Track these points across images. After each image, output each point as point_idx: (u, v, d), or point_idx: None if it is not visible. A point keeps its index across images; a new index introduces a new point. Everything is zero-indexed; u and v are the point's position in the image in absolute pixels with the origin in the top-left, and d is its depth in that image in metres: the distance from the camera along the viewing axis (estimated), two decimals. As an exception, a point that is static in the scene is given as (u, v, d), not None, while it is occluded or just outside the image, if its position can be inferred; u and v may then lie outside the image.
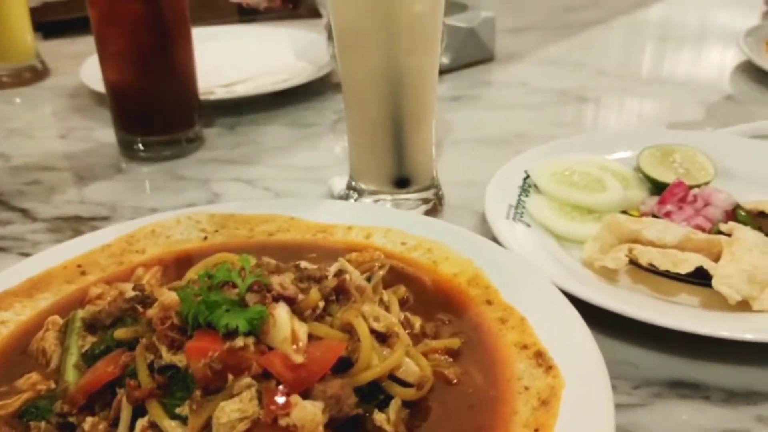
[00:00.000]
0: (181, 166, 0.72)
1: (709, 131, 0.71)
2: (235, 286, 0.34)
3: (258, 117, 0.83)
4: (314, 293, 0.35)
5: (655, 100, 0.84)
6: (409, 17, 0.53)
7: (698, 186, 0.57)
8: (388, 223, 0.49)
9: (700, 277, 0.47)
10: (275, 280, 0.35)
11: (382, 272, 0.42)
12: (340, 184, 0.64)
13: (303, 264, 0.40)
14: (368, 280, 0.40)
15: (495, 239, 0.51)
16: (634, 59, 0.97)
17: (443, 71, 0.93)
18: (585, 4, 1.24)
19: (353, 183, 0.61)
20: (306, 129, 0.80)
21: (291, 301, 0.34)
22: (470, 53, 0.96)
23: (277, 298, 0.34)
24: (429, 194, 0.61)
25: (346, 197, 0.62)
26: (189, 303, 0.33)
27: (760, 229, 0.54)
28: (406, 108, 0.57)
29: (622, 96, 0.85)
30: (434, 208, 0.61)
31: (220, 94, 0.84)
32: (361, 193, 0.61)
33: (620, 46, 1.03)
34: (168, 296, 0.34)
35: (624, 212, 0.58)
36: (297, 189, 0.67)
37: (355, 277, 0.39)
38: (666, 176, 0.59)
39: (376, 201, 0.60)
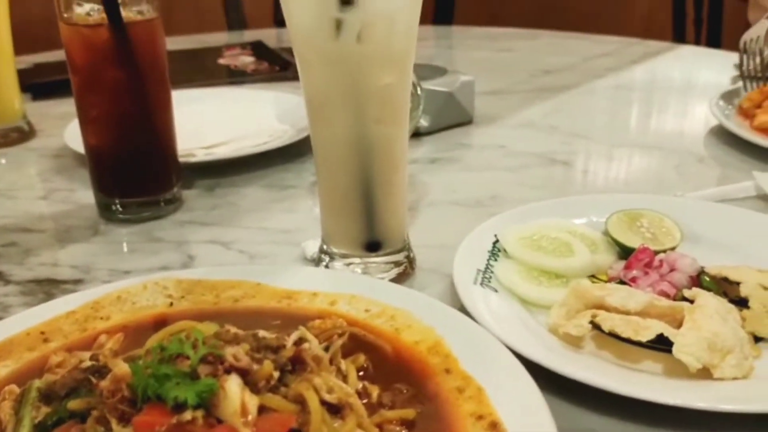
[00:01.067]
0: (158, 228, 0.73)
1: (679, 195, 0.73)
2: (188, 357, 0.34)
3: (237, 179, 0.84)
4: (267, 365, 0.35)
5: (628, 163, 0.85)
6: (378, 88, 0.55)
7: (664, 251, 0.58)
8: (353, 290, 0.49)
9: (665, 344, 0.48)
10: (229, 352, 0.35)
11: (341, 341, 0.42)
12: (313, 247, 0.65)
13: (261, 333, 0.40)
14: (327, 348, 0.41)
15: (462, 304, 0.51)
16: (609, 123, 0.99)
17: (422, 134, 0.96)
18: (562, 68, 1.27)
19: (325, 247, 0.62)
20: (284, 191, 0.81)
21: (244, 373, 0.34)
22: (449, 116, 0.98)
23: (229, 370, 0.34)
24: (400, 257, 0.62)
25: (318, 261, 0.63)
26: (140, 375, 0.33)
27: (725, 294, 0.55)
28: (376, 174, 0.58)
29: (596, 159, 0.86)
30: (405, 272, 0.62)
31: (201, 156, 0.86)
32: (332, 256, 0.61)
33: (596, 109, 1.06)
34: (120, 368, 0.34)
35: (592, 277, 0.59)
36: (272, 252, 0.68)
37: (313, 346, 0.40)
38: (633, 241, 0.60)
39: (347, 265, 0.61)
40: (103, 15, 0.67)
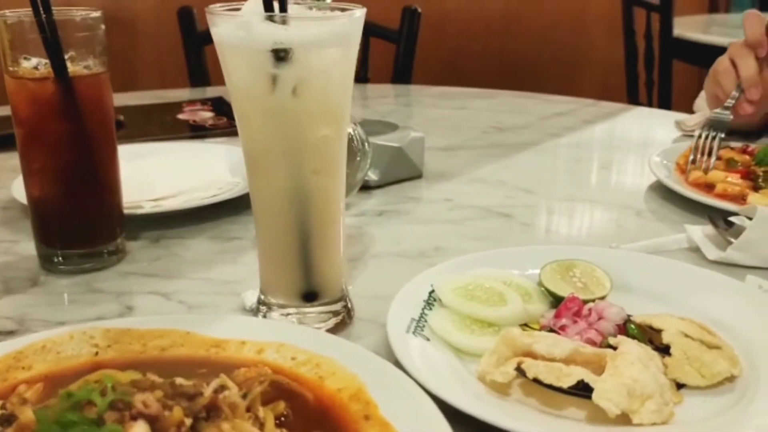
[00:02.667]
0: (99, 279, 0.72)
1: (614, 246, 0.74)
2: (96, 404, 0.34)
3: (184, 230, 0.84)
4: (177, 411, 0.35)
5: (568, 216, 0.88)
6: (315, 140, 0.56)
7: (593, 300, 0.60)
8: (281, 338, 0.49)
9: (588, 390, 0.49)
10: (138, 398, 0.35)
11: (260, 388, 0.42)
12: (252, 297, 0.65)
13: (179, 380, 0.40)
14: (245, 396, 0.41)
15: (393, 353, 0.52)
16: (555, 178, 1.02)
17: (372, 187, 0.97)
18: (516, 126, 1.31)
19: (263, 297, 0.62)
20: (229, 242, 0.81)
21: (153, 420, 0.34)
22: (399, 171, 1.00)
23: (136, 417, 0.34)
24: (338, 307, 0.62)
25: (256, 311, 0.63)
26: (44, 423, 0.33)
27: (650, 341, 0.56)
28: (313, 224, 0.59)
29: (537, 213, 0.88)
30: (343, 322, 0.62)
31: (148, 208, 0.86)
32: (270, 306, 0.62)
33: (544, 166, 1.09)
34: (26, 415, 0.34)
35: (525, 325, 0.60)
36: (212, 302, 0.68)
37: (232, 393, 0.40)
38: (565, 290, 0.62)
39: (285, 315, 0.61)
40: (50, 69, 0.68)
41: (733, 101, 1.02)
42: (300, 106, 0.54)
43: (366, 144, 0.90)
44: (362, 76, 1.92)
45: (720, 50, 2.60)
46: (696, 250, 0.75)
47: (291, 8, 0.54)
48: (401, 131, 1.03)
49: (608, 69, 3.22)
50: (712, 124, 0.99)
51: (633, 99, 2.88)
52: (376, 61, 1.94)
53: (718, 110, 1.03)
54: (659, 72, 2.68)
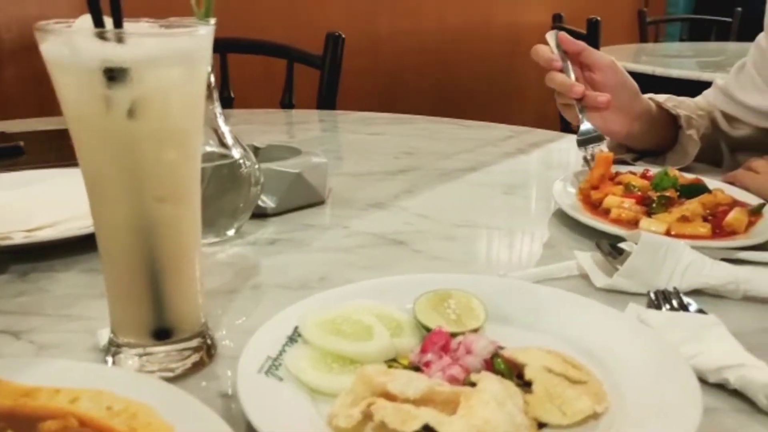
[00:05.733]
0: (-49, 317, 0.66)
1: (501, 274, 0.72)
2: None
3: (57, 263, 0.79)
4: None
5: (463, 243, 0.85)
6: (158, 165, 0.52)
7: (462, 333, 0.57)
8: (100, 385, 0.45)
9: (443, 433, 0.45)
10: None
11: (51, 443, 0.38)
12: (107, 335, 0.60)
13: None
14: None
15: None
16: (458, 204, 1.00)
17: (269, 214, 0.93)
18: (428, 152, 1.29)
19: (113, 336, 0.58)
20: (100, 276, 0.75)
21: None
22: (298, 197, 0.96)
23: None
24: (194, 344, 0.58)
25: (107, 351, 0.58)
26: None
27: (519, 376, 0.53)
28: (161, 257, 0.54)
29: (433, 239, 0.86)
30: (201, 361, 0.58)
31: (18, 239, 0.80)
32: (119, 346, 0.57)
33: (449, 191, 1.07)
34: None
35: (393, 361, 0.57)
36: (66, 341, 0.63)
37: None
38: (436, 322, 0.58)
39: (137, 355, 0.56)
40: None
41: (580, 114, 1.04)
42: (138, 129, 0.50)
43: (257, 170, 0.86)
44: (287, 101, 1.89)
45: (649, 78, 2.66)
46: (586, 277, 0.73)
47: (128, 24, 0.50)
48: (303, 157, 1.00)
49: (543, 97, 3.28)
50: (582, 142, 1.02)
51: (567, 126, 2.92)
52: (305, 87, 1.91)
53: (579, 129, 1.04)
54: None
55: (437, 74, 3.43)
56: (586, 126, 1.03)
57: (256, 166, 0.86)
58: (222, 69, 1.89)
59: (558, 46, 1.06)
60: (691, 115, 1.11)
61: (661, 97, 1.16)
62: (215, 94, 0.82)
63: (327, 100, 1.80)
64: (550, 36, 1.08)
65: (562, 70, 1.04)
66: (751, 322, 0.65)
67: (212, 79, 0.82)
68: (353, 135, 1.49)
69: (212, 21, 0.76)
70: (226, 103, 1.89)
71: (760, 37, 1.09)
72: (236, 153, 0.84)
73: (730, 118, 1.16)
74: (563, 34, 1.07)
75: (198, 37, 0.51)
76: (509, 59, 3.71)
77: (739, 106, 1.12)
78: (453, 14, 3.45)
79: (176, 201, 0.54)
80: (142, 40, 0.49)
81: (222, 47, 1.84)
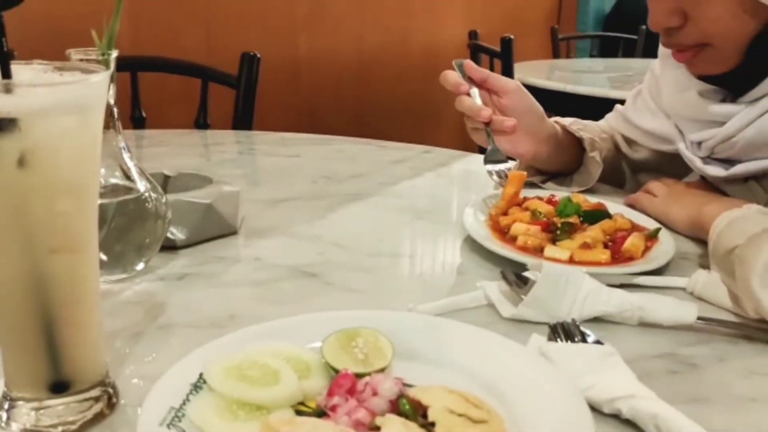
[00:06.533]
0: None
1: (410, 307, 0.73)
2: None
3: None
4: None
5: (374, 274, 0.86)
6: (51, 216, 0.51)
7: (369, 374, 0.57)
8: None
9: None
10: None
11: None
12: (0, 389, 0.58)
13: None
14: None
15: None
16: (372, 232, 1.01)
17: (179, 247, 0.91)
18: (345, 176, 1.30)
19: (6, 390, 0.55)
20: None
21: None
22: (209, 229, 0.95)
23: None
24: (94, 395, 0.56)
25: (0, 405, 0.56)
26: None
27: (424, 416, 0.54)
28: (57, 308, 0.53)
29: (345, 271, 0.86)
30: (101, 412, 0.56)
31: None
32: (14, 400, 0.55)
33: (364, 218, 1.07)
34: None
35: (301, 404, 0.57)
36: (-43, 395, 0.60)
37: None
38: (344, 363, 0.59)
39: (33, 409, 0.54)
40: None
41: (488, 137, 1.08)
42: (28, 180, 0.48)
43: (164, 203, 0.85)
44: (202, 122, 1.86)
45: (561, 95, 2.75)
46: (493, 306, 0.75)
47: (17, 67, 0.48)
48: (214, 186, 0.98)
49: (460, 114, 3.36)
50: (489, 161, 1.06)
51: (482, 149, 2.99)
52: (221, 105, 1.89)
53: (487, 150, 1.08)
54: (504, 115, 2.79)
55: (356, 92, 3.45)
56: (493, 149, 1.07)
57: (163, 199, 0.85)
58: (133, 88, 1.84)
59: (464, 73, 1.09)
60: (594, 138, 1.16)
61: (567, 121, 1.21)
62: (119, 126, 0.81)
63: (243, 120, 1.79)
64: (456, 65, 1.11)
65: (469, 94, 1.07)
66: (647, 348, 0.68)
67: (116, 111, 0.80)
68: (269, 158, 1.48)
69: (114, 54, 0.74)
70: (138, 123, 1.85)
71: (654, 63, 1.14)
72: (142, 186, 0.82)
73: (629, 141, 1.22)
74: (468, 62, 1.10)
75: (91, 85, 0.50)
76: (427, 76, 3.76)
77: (636, 130, 1.18)
78: (371, 32, 3.48)
79: (71, 251, 0.52)
80: (31, 89, 0.48)
81: (133, 66, 1.80)
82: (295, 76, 3.16)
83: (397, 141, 1.58)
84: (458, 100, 1.08)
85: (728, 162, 0.97)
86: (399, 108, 3.58)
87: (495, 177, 1.04)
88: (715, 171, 0.98)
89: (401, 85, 3.60)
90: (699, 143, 0.99)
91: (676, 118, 1.05)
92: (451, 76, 1.08)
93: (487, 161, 1.07)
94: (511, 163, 1.08)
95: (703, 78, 0.97)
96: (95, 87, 0.50)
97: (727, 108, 0.94)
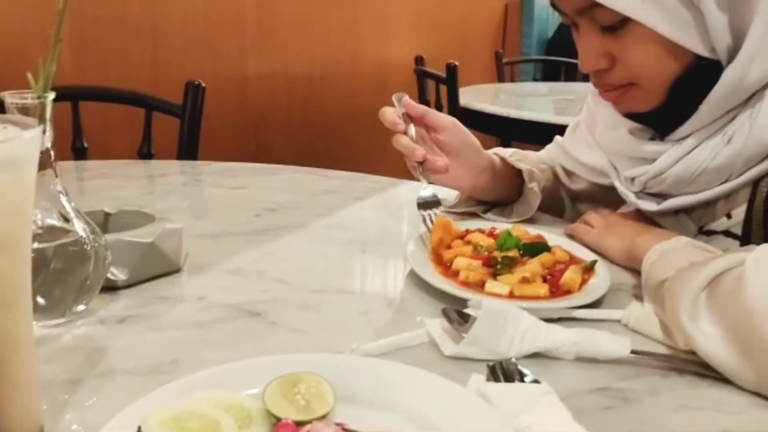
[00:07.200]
0: None
1: (354, 347, 0.74)
2: None
3: None
4: None
5: (320, 312, 0.86)
6: (-18, 271, 0.50)
7: (310, 421, 0.57)
8: None
9: None
10: None
11: None
12: (-72, 448, 0.56)
13: None
14: None
15: None
16: (314, 267, 1.01)
17: (120, 287, 0.90)
18: (289, 207, 1.30)
19: (-65, 450, 0.54)
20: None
21: None
22: (151, 268, 0.94)
23: None
24: (29, 454, 0.55)
25: (-72, 467, 0.54)
26: None
27: (364, 464, 0.54)
28: (-12, 365, 0.52)
29: (289, 309, 0.86)
30: (36, 470, 0.55)
31: None
32: (-57, 462, 0.53)
33: (307, 252, 1.07)
34: None
35: (242, 454, 0.57)
36: None
37: None
38: (286, 411, 0.59)
39: (-37, 469, 0.53)
40: None
41: (420, 175, 1.10)
42: (-44, 237, 0.48)
43: (102, 244, 0.84)
44: (146, 152, 1.84)
45: (503, 119, 2.80)
46: (435, 344, 0.76)
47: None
48: (156, 223, 0.97)
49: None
50: (421, 206, 1.08)
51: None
52: (166, 134, 1.87)
53: (420, 194, 1.10)
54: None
55: (306, 111, 3.46)
56: (426, 191, 1.09)
57: (103, 240, 0.84)
58: (74, 118, 1.81)
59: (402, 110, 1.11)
60: (533, 169, 1.19)
61: (507, 152, 1.24)
62: (57, 169, 0.79)
63: (188, 149, 1.77)
64: (396, 99, 1.13)
65: (406, 133, 1.09)
66: (583, 383, 0.70)
67: (53, 154, 0.79)
68: (214, 189, 1.47)
69: (50, 96, 0.73)
70: (80, 153, 1.81)
71: (589, 98, 1.18)
72: (80, 228, 0.81)
73: (568, 173, 1.26)
74: (407, 99, 1.12)
75: (24, 142, 0.49)
76: (377, 95, 3.80)
77: (575, 163, 1.22)
78: (320, 52, 3.50)
79: (4, 308, 0.51)
80: (-40, 146, 0.47)
81: (74, 96, 1.77)
82: (244, 98, 3.15)
83: (347, 159, 1.59)
84: (395, 139, 1.10)
85: (660, 196, 1.01)
86: (349, 126, 3.60)
87: (428, 222, 1.05)
88: (648, 205, 1.01)
89: (351, 102, 3.62)
90: (632, 179, 1.03)
91: (609, 155, 1.09)
92: (389, 114, 1.10)
93: (419, 207, 1.08)
94: (441, 209, 1.10)
95: (629, 116, 1.01)
96: (28, 143, 0.50)
97: (656, 146, 0.98)
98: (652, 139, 1.01)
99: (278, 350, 0.76)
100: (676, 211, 1.01)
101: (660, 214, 1.02)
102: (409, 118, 1.11)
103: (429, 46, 3.86)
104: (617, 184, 1.07)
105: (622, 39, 0.90)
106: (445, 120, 1.12)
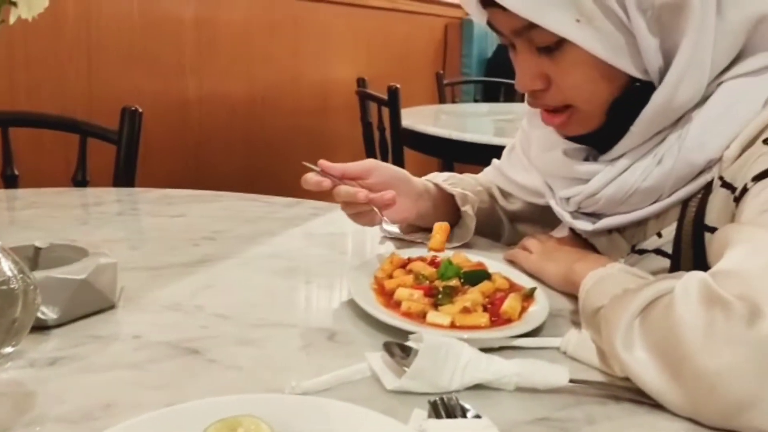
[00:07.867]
0: None
1: (294, 385, 0.73)
2: None
3: None
4: None
5: (257, 347, 0.84)
6: None
7: (249, 468, 0.56)
8: None
9: None
10: None
11: None
12: None
13: None
14: None
15: None
16: (253, 298, 0.99)
17: (51, 326, 0.87)
18: (229, 236, 1.28)
19: None
20: None
21: None
22: (84, 305, 0.91)
23: None
24: None
25: None
26: None
27: None
28: None
29: (228, 345, 0.84)
30: None
31: None
32: None
33: (247, 283, 1.06)
34: None
35: (178, 505, 0.55)
36: None
37: None
38: (224, 457, 0.57)
39: None
40: None
41: (383, 221, 1.13)
42: None
43: (31, 284, 0.80)
44: (80, 179, 1.79)
45: (445, 140, 2.83)
46: (377, 378, 0.75)
47: None
48: (89, 259, 0.94)
49: (353, 150, 3.41)
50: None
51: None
52: (102, 160, 1.83)
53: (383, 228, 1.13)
54: (393, 160, 2.85)
55: (247, 131, 3.43)
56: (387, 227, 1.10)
57: (31, 279, 0.80)
58: (5, 144, 1.75)
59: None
60: (467, 192, 1.21)
61: (442, 176, 1.25)
62: (-19, 207, 0.76)
63: (125, 176, 1.73)
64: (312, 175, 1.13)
65: (334, 186, 1.09)
66: (524, 413, 0.71)
67: (-23, 191, 0.75)
68: (152, 218, 1.44)
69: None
70: (10, 181, 1.75)
71: (524, 121, 1.21)
72: (6, 268, 0.78)
73: (505, 194, 1.28)
74: (322, 163, 1.11)
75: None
76: (319, 116, 3.81)
77: (512, 184, 1.24)
78: (262, 72, 3.49)
79: None
80: None
81: (4, 122, 1.71)
82: (184, 120, 3.10)
83: (289, 181, 1.58)
84: (336, 192, 1.10)
85: (595, 216, 1.04)
86: (291, 148, 3.58)
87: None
88: (583, 225, 1.04)
89: (294, 122, 3.61)
90: (567, 199, 1.05)
91: (545, 175, 1.11)
92: (311, 177, 1.10)
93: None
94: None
95: (569, 137, 1.03)
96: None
97: (590, 167, 1.01)
98: (586, 159, 1.03)
99: (217, 389, 0.74)
100: (610, 231, 1.04)
101: (594, 234, 1.05)
102: (330, 177, 1.11)
103: (370, 67, 3.89)
104: (553, 204, 1.09)
105: (557, 60, 0.92)
106: (365, 164, 1.14)
